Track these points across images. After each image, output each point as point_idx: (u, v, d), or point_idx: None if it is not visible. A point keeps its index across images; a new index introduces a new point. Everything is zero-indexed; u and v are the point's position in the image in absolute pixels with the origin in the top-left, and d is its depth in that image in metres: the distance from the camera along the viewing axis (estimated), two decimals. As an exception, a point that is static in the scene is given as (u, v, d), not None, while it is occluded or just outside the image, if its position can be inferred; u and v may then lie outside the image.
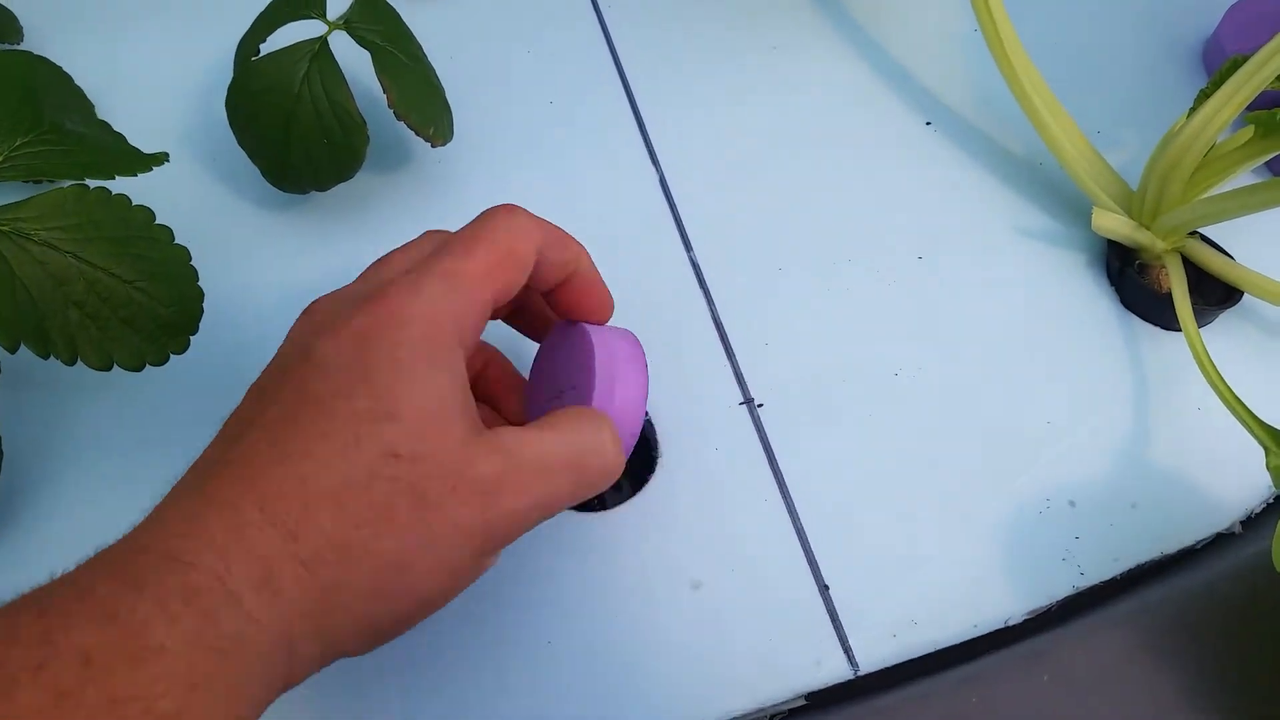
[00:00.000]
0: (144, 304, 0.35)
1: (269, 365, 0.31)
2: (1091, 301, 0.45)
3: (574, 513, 0.40)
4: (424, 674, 0.36)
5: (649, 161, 0.48)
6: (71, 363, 0.34)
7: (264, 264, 0.44)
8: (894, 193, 0.47)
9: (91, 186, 0.35)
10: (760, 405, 0.42)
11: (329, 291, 0.32)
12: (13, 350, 0.33)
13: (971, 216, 0.47)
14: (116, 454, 0.40)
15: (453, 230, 0.33)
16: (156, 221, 0.36)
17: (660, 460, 0.41)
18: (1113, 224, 0.45)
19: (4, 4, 0.50)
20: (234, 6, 0.51)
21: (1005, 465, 0.41)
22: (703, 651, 0.37)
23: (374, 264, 0.33)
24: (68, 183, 0.35)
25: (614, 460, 0.31)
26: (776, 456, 0.41)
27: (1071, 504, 0.40)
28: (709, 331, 0.43)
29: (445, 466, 0.28)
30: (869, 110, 0.50)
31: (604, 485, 0.31)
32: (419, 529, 0.27)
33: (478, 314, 0.30)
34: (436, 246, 0.31)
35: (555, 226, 0.33)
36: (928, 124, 0.50)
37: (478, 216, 0.32)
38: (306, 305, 0.32)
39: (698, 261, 0.45)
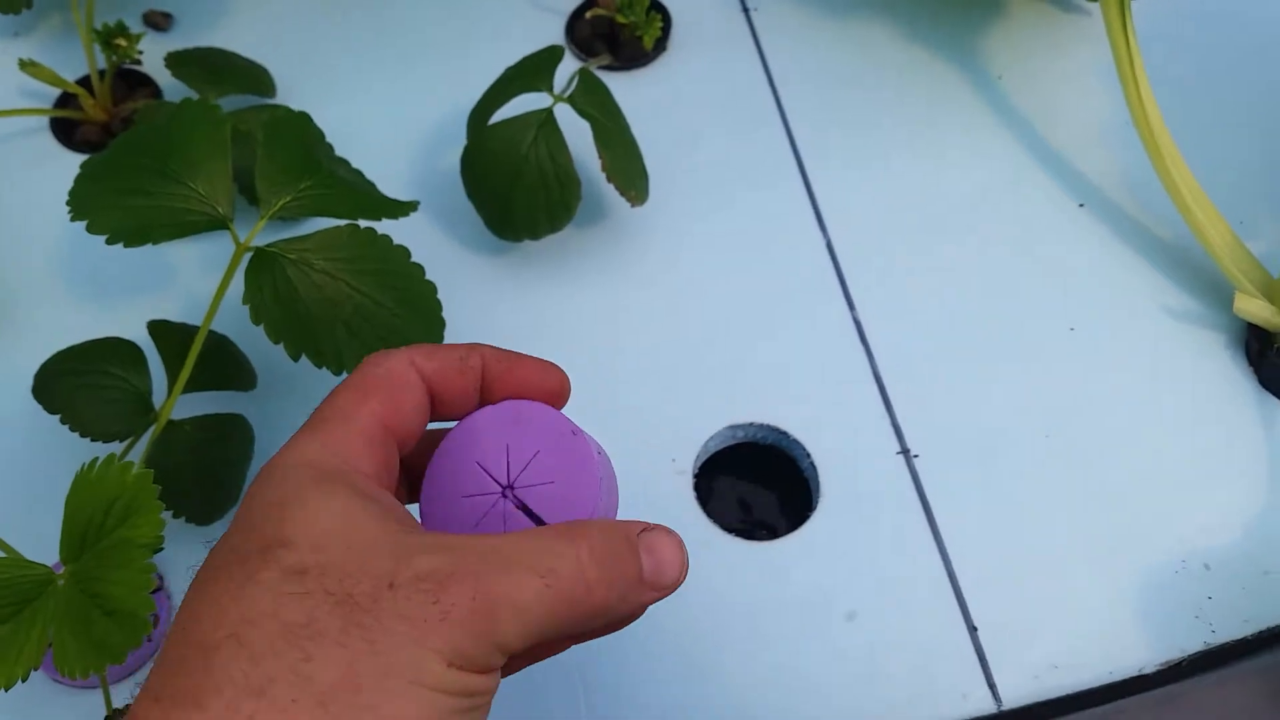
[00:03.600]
0: (398, 327, 0.41)
1: None
2: (1231, 380, 0.48)
3: (739, 540, 0.45)
4: (600, 676, 0.41)
5: (817, 227, 0.53)
6: (339, 373, 0.40)
7: (482, 297, 0.50)
8: (1048, 267, 0.51)
9: (361, 226, 0.41)
10: (916, 456, 0.46)
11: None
12: (295, 359, 0.39)
13: (1120, 294, 0.51)
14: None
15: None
16: (411, 259, 0.42)
17: (820, 500, 0.45)
18: (1253, 308, 0.48)
19: (260, 62, 0.58)
20: (453, 75, 0.58)
21: (1144, 526, 0.44)
22: (855, 676, 0.41)
23: None
24: (342, 221, 0.41)
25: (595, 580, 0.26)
26: (930, 504, 0.45)
27: (1206, 567, 0.43)
28: (869, 385, 0.48)
29: (371, 566, 0.24)
30: (1027, 189, 0.54)
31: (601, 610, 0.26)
32: (355, 635, 0.23)
33: (361, 440, 0.28)
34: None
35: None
36: (1081, 205, 0.54)
37: None
38: None
39: (860, 320, 0.50)
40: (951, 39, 0.60)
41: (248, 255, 0.40)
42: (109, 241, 0.37)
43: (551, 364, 0.32)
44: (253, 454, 0.45)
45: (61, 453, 0.44)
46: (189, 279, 0.52)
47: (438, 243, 0.52)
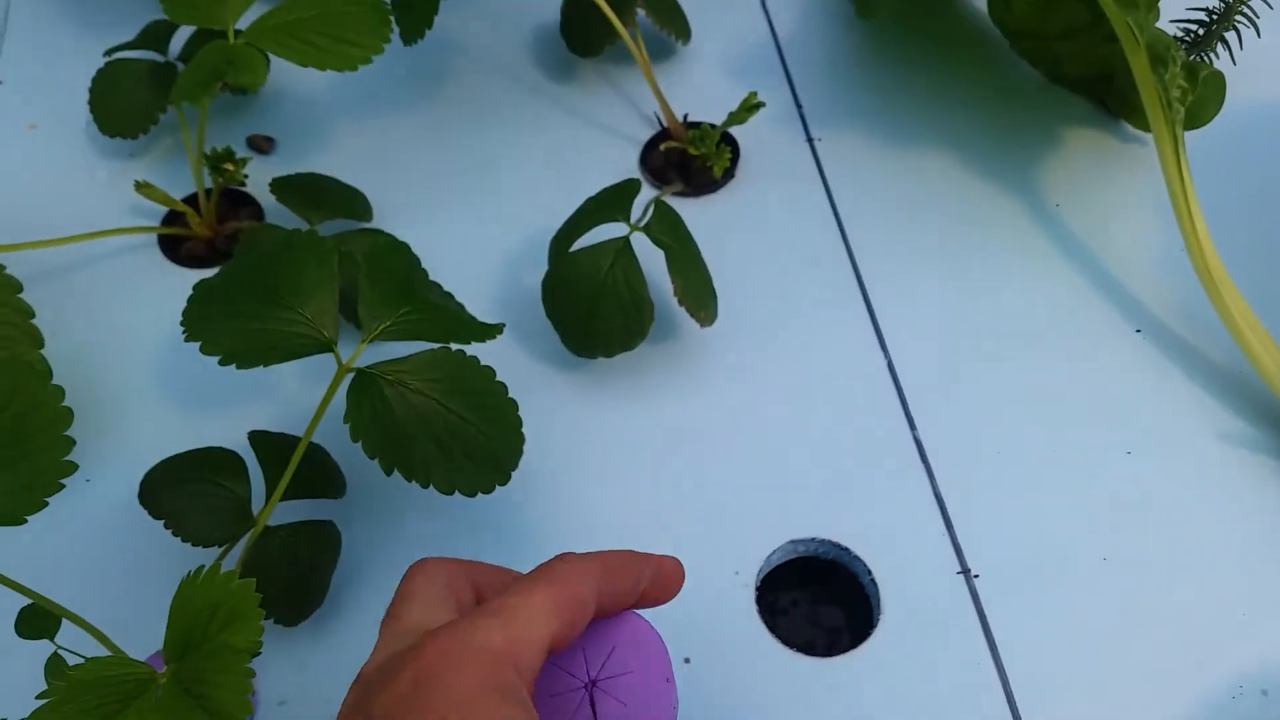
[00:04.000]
0: (483, 443, 0.43)
1: None
2: (1290, 507, 0.49)
3: (801, 655, 0.46)
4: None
5: (879, 349, 0.55)
6: (426, 486, 0.42)
7: (558, 411, 0.53)
8: (1106, 391, 0.53)
9: (453, 348, 0.44)
10: (976, 575, 0.47)
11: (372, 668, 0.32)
12: (388, 474, 0.42)
13: (1176, 418, 0.52)
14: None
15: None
16: (496, 378, 0.45)
17: (881, 617, 0.47)
18: (1313, 438, 0.49)
19: (358, 187, 0.62)
20: (535, 201, 0.62)
21: (1201, 651, 0.45)
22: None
23: (387, 620, 0.33)
24: (435, 345, 0.44)
25: None
26: (990, 623, 0.46)
27: (1264, 693, 0.44)
28: (930, 505, 0.49)
29: None
30: (1084, 315, 0.56)
31: None
32: None
33: (535, 654, 0.30)
34: (464, 599, 0.33)
35: (616, 556, 0.34)
36: (1138, 331, 0.55)
37: (537, 568, 0.33)
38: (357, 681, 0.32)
39: (921, 440, 0.52)
40: (1009, 169, 0.63)
41: (348, 375, 0.43)
42: (222, 363, 0.41)
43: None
44: (339, 558, 0.47)
45: (163, 554, 0.47)
46: (287, 391, 0.55)
47: (519, 359, 0.55)
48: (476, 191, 0.64)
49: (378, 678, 0.29)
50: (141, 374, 0.56)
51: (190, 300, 0.45)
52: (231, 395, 0.55)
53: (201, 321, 0.43)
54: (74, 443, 0.38)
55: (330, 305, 0.43)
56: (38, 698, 0.33)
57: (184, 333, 0.42)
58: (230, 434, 0.48)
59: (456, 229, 0.62)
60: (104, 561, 0.50)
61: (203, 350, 0.41)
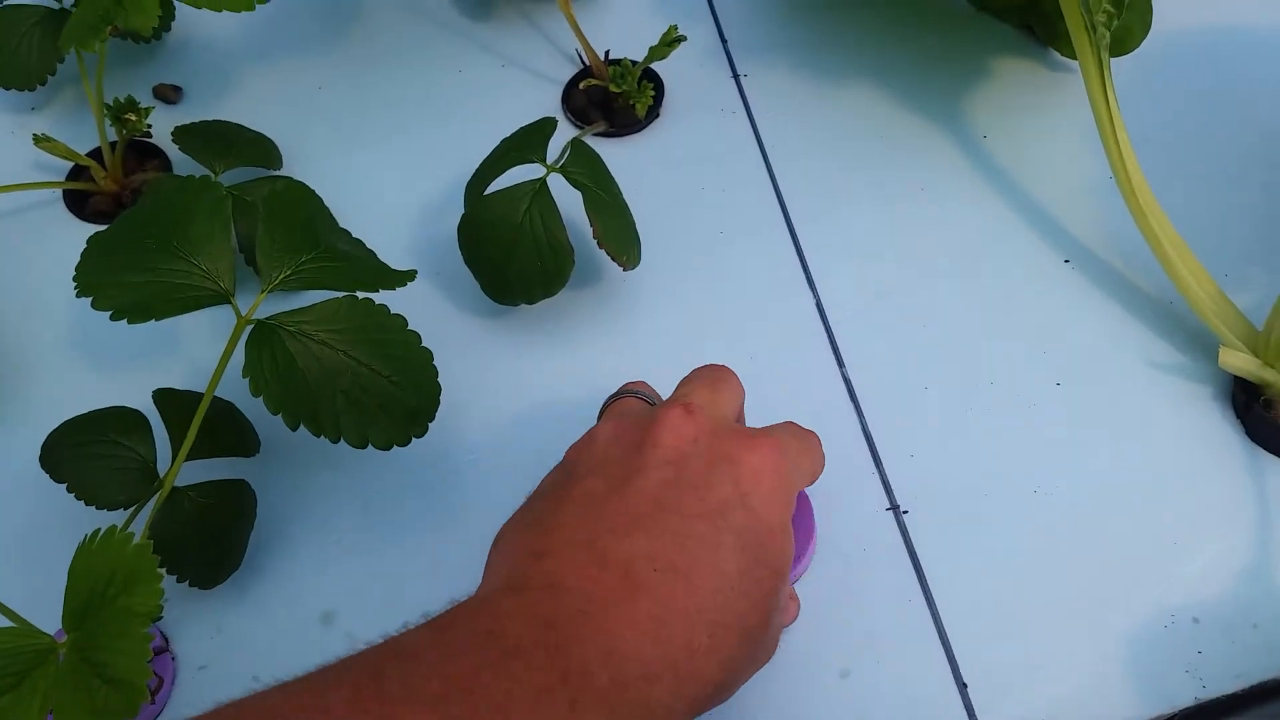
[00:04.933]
0: (396, 395, 0.42)
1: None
2: (1218, 433, 0.49)
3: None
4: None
5: (807, 287, 0.54)
6: (336, 441, 0.41)
7: (479, 360, 0.52)
8: (1035, 323, 0.52)
9: (360, 296, 0.43)
10: (906, 512, 0.47)
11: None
12: (294, 429, 0.40)
13: (1105, 348, 0.52)
14: (349, 521, 0.47)
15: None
16: (407, 327, 0.43)
17: (810, 555, 0.46)
18: (1239, 362, 0.48)
19: (267, 134, 0.59)
20: (453, 145, 0.60)
21: (1132, 581, 0.45)
22: (848, 731, 0.42)
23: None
24: (340, 293, 0.43)
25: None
26: (920, 560, 0.45)
27: (1195, 621, 0.44)
28: (859, 442, 0.49)
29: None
30: (1012, 246, 0.55)
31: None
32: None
33: None
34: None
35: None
36: (1066, 261, 0.55)
37: (706, 367, 0.41)
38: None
39: (849, 378, 0.51)
40: (937, 99, 0.61)
41: (249, 327, 0.41)
42: (113, 318, 0.39)
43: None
44: (255, 518, 0.46)
45: (69, 519, 0.45)
46: (194, 347, 0.53)
47: (436, 307, 0.54)
48: (392, 135, 0.62)
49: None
50: (48, 334, 0.54)
51: (84, 255, 0.43)
52: (137, 355, 0.53)
53: (93, 275, 0.41)
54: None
55: (226, 254, 0.41)
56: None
57: (76, 288, 0.40)
58: (140, 394, 0.46)
59: (371, 174, 0.60)
60: (6, 527, 0.48)
61: (94, 306, 0.39)
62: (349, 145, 0.61)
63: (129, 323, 0.38)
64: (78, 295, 0.40)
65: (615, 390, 0.43)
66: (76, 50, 0.52)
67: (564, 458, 0.39)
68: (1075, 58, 0.52)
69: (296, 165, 0.60)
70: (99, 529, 0.34)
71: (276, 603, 0.45)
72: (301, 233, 0.44)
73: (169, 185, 0.51)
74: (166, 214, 0.42)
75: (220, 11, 0.50)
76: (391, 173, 0.60)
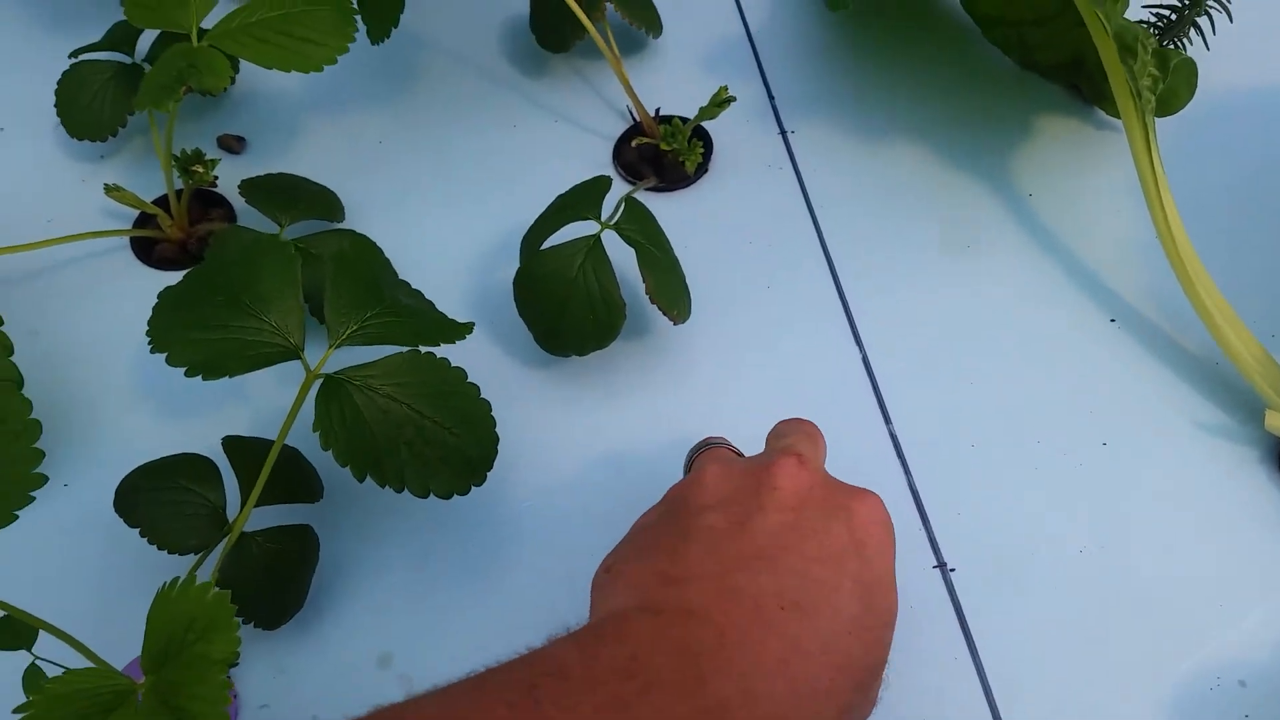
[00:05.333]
0: (457, 446, 0.43)
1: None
2: (1263, 495, 0.49)
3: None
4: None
5: (853, 342, 0.55)
6: (400, 491, 0.42)
7: (532, 410, 0.53)
8: (1081, 382, 0.53)
9: (422, 350, 0.44)
10: (953, 570, 0.47)
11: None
12: (361, 480, 0.42)
13: (1151, 409, 0.52)
14: (408, 565, 0.49)
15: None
16: (467, 379, 0.45)
17: (858, 609, 0.47)
18: (1286, 425, 0.49)
19: (332, 189, 0.62)
20: (503, 199, 0.62)
21: (1178, 642, 0.45)
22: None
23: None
24: (405, 348, 0.44)
25: None
26: (966, 617, 0.46)
27: (1241, 684, 0.44)
28: (906, 498, 0.49)
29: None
30: (1058, 305, 0.56)
31: None
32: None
33: None
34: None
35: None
36: (1112, 321, 0.55)
37: (798, 421, 0.43)
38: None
39: (896, 434, 0.52)
40: (983, 158, 0.62)
41: (317, 381, 0.42)
42: (188, 374, 0.40)
43: None
44: (318, 562, 0.47)
45: (139, 560, 0.47)
46: (261, 395, 0.55)
47: (489, 356, 0.55)
48: (448, 188, 0.63)
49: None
50: (116, 378, 0.56)
51: (155, 309, 0.44)
52: (206, 399, 0.54)
53: (166, 331, 0.42)
54: (43, 455, 0.38)
55: (295, 310, 0.43)
56: (14, 711, 0.33)
57: (150, 343, 0.42)
58: (205, 439, 0.48)
59: (428, 226, 0.61)
60: (80, 568, 0.49)
61: (169, 362, 0.41)
62: (408, 197, 0.63)
63: (203, 379, 0.40)
64: (152, 351, 0.42)
65: (698, 441, 0.45)
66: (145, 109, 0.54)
67: (667, 495, 0.40)
68: (1121, 118, 0.53)
69: (357, 216, 0.61)
70: (178, 578, 0.35)
71: (336, 643, 0.46)
72: (366, 289, 0.46)
73: (236, 239, 0.54)
74: (236, 271, 0.44)
75: (289, 72, 0.53)
76: (448, 223, 0.61)
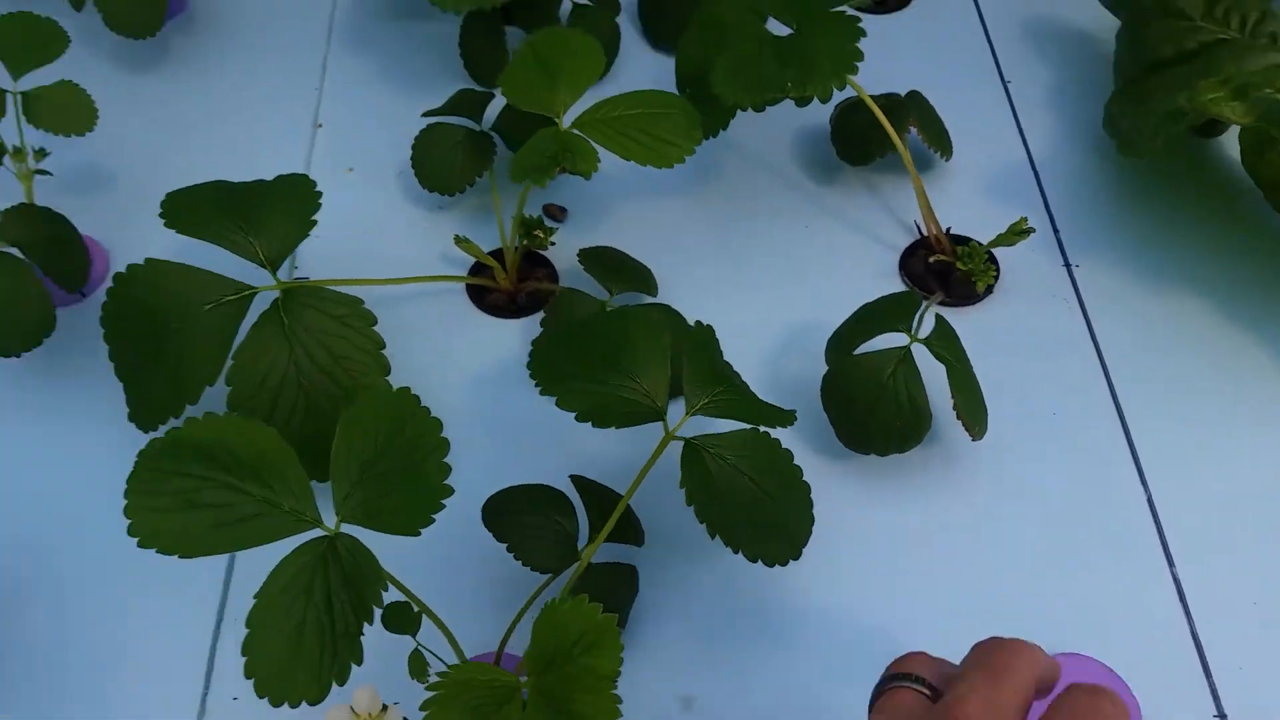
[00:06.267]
0: (783, 520, 0.48)
1: None
2: None
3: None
4: None
5: (1139, 481, 0.58)
6: (736, 552, 0.47)
7: (825, 498, 0.56)
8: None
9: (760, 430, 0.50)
10: (1230, 722, 0.49)
11: None
12: (712, 537, 0.47)
13: None
14: (714, 617, 0.54)
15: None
16: (794, 461, 0.50)
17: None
18: None
19: (643, 263, 0.68)
20: (795, 295, 0.67)
21: None
22: None
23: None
24: (744, 425, 0.50)
25: None
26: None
27: None
28: (1187, 646, 0.52)
29: None
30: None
31: None
32: None
33: None
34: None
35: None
36: None
37: (989, 647, 0.37)
38: None
39: (1179, 577, 0.54)
40: (1267, 322, 0.65)
41: (673, 443, 0.48)
42: (579, 419, 0.47)
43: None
44: (636, 596, 0.53)
45: (501, 571, 0.52)
46: (579, 437, 0.60)
47: (788, 442, 0.60)
48: (741, 277, 0.69)
49: None
50: (451, 408, 0.63)
51: (533, 357, 0.51)
52: (529, 434, 0.61)
53: (551, 380, 0.49)
54: (451, 469, 0.44)
55: (663, 378, 0.49)
56: (427, 688, 0.39)
57: (538, 387, 0.49)
58: (540, 472, 0.54)
59: (724, 313, 0.66)
60: (445, 571, 0.55)
61: (560, 405, 0.47)
62: (707, 280, 0.69)
63: (593, 426, 0.46)
64: (541, 393, 0.48)
65: (888, 671, 0.39)
66: (508, 176, 0.61)
67: None
68: None
69: (665, 292, 0.68)
70: (568, 594, 0.41)
71: (643, 681, 0.52)
72: (713, 368, 0.52)
73: (577, 302, 0.61)
74: (612, 336, 0.51)
75: (645, 166, 0.60)
76: (743, 313, 0.67)
